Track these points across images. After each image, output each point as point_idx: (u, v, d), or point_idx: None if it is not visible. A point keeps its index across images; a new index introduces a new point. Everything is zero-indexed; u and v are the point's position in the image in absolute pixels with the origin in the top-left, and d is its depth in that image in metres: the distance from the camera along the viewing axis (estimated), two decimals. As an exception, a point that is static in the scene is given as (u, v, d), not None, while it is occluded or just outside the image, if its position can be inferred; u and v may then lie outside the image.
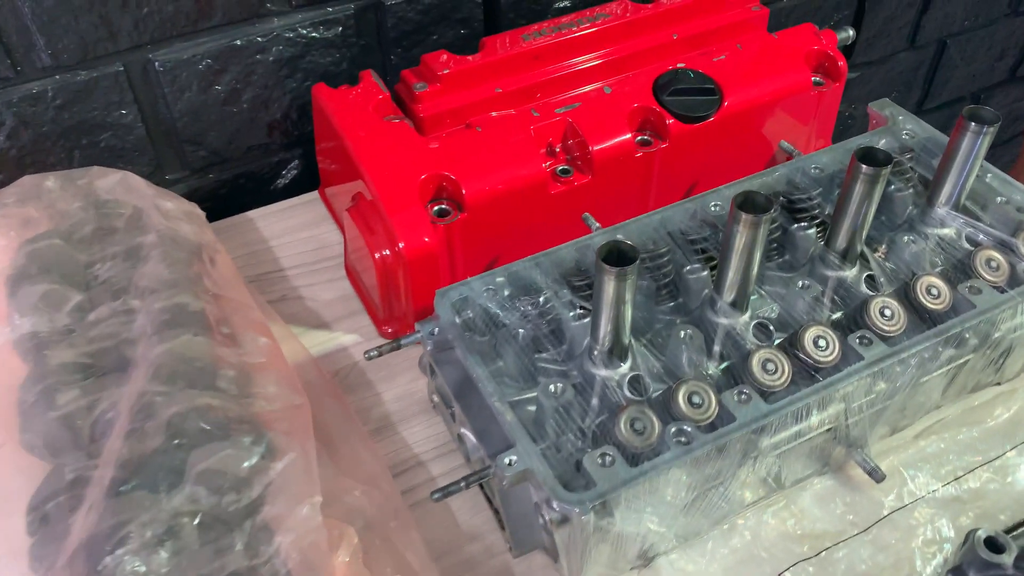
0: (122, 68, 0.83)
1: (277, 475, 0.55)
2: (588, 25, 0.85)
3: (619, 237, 0.69)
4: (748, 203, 0.60)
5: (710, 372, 0.64)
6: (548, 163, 0.81)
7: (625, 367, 0.63)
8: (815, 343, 0.62)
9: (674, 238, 0.71)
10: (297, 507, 0.53)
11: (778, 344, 0.65)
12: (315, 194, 0.96)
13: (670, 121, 0.83)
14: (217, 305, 0.67)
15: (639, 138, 0.84)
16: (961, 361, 0.67)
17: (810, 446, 0.64)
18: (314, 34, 0.90)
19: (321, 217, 0.93)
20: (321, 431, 0.67)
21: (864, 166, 0.63)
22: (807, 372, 0.62)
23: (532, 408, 0.62)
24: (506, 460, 0.56)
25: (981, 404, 0.74)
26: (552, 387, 0.60)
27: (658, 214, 0.72)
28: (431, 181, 0.76)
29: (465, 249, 0.78)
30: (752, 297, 0.67)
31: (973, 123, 0.68)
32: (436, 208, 0.77)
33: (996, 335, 0.67)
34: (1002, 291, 0.67)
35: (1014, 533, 0.65)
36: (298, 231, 0.91)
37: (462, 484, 0.59)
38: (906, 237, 0.72)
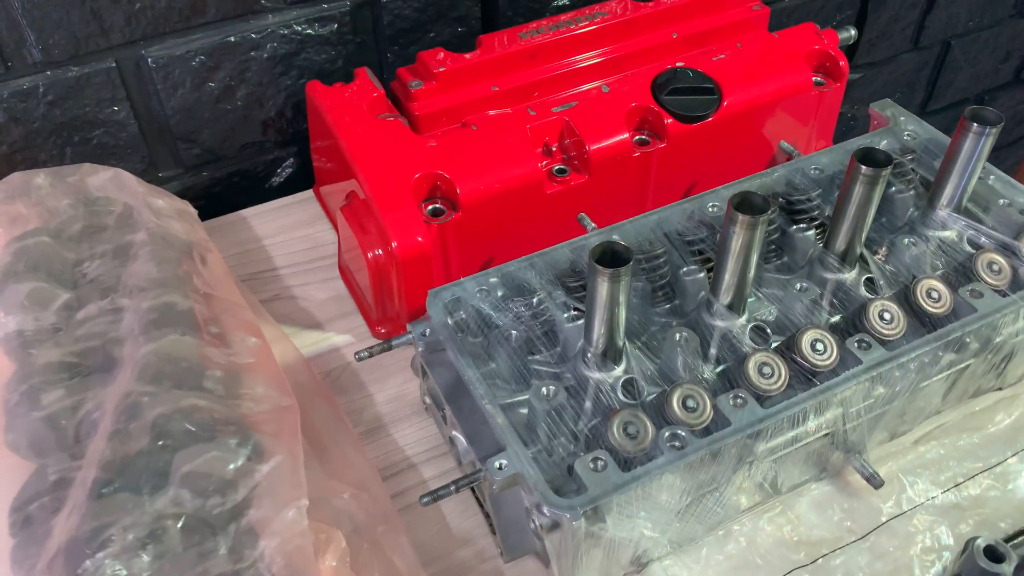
0: (114, 64, 0.82)
1: (263, 478, 0.54)
2: (587, 23, 0.85)
3: (614, 238, 0.68)
4: (745, 204, 0.59)
5: (705, 375, 0.63)
6: (544, 162, 0.80)
7: (619, 370, 0.62)
8: (813, 347, 0.61)
9: (671, 239, 0.70)
10: (283, 510, 0.52)
11: (775, 347, 0.64)
12: (310, 193, 0.95)
13: (668, 121, 0.82)
14: (207, 304, 0.66)
15: (637, 138, 0.83)
16: (962, 366, 0.66)
17: (807, 451, 0.63)
18: (309, 31, 0.89)
19: (316, 216, 0.92)
20: (311, 433, 0.66)
21: (864, 167, 0.62)
22: (804, 376, 0.61)
23: (524, 411, 0.62)
24: (496, 464, 0.55)
25: (982, 410, 0.73)
26: (544, 390, 0.59)
27: (655, 215, 0.71)
28: (425, 180, 0.76)
29: (459, 249, 0.77)
30: (749, 299, 0.66)
31: (975, 124, 0.67)
32: (430, 207, 0.76)
33: (997, 340, 0.66)
34: (1004, 295, 0.66)
35: (1014, 542, 0.64)
36: (292, 230, 0.91)
37: (452, 488, 0.59)
38: (906, 239, 0.71)
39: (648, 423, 0.57)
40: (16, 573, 0.53)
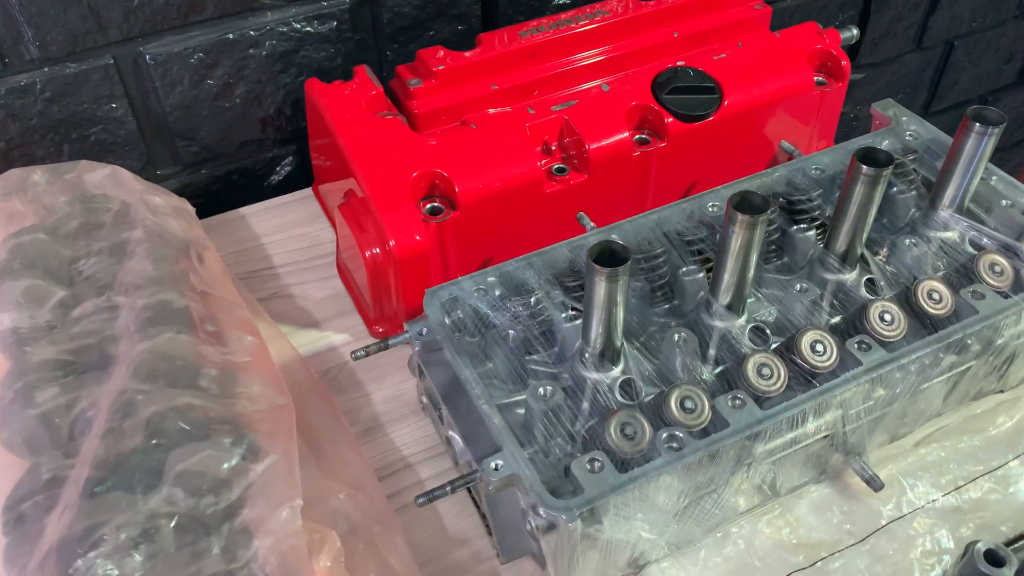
0: (112, 61, 0.82)
1: (258, 477, 0.53)
2: (587, 22, 0.84)
3: (613, 237, 0.68)
4: (744, 203, 0.59)
5: (704, 376, 0.62)
6: (544, 161, 0.80)
7: (617, 370, 0.61)
8: (812, 348, 0.61)
9: (670, 239, 0.69)
10: (277, 510, 0.52)
11: (774, 348, 0.63)
12: (309, 191, 0.95)
13: (669, 120, 0.82)
14: (203, 303, 0.66)
15: (637, 137, 0.82)
16: (963, 368, 0.66)
17: (806, 453, 0.62)
18: (308, 28, 0.89)
19: (314, 214, 0.92)
20: (307, 432, 0.66)
21: (864, 167, 0.62)
22: (804, 377, 0.61)
23: (521, 411, 0.61)
24: (493, 464, 0.55)
25: (983, 412, 0.72)
26: (541, 390, 0.59)
27: (654, 214, 0.71)
28: (424, 179, 0.75)
29: (458, 248, 0.77)
30: (749, 300, 0.66)
31: (978, 124, 0.66)
32: (428, 206, 0.76)
33: (999, 341, 0.65)
34: (1006, 296, 0.65)
35: (1015, 546, 0.64)
36: (291, 228, 0.90)
37: (448, 489, 0.58)
38: (908, 240, 0.70)
39: (646, 424, 0.56)
40: (8, 572, 0.52)
